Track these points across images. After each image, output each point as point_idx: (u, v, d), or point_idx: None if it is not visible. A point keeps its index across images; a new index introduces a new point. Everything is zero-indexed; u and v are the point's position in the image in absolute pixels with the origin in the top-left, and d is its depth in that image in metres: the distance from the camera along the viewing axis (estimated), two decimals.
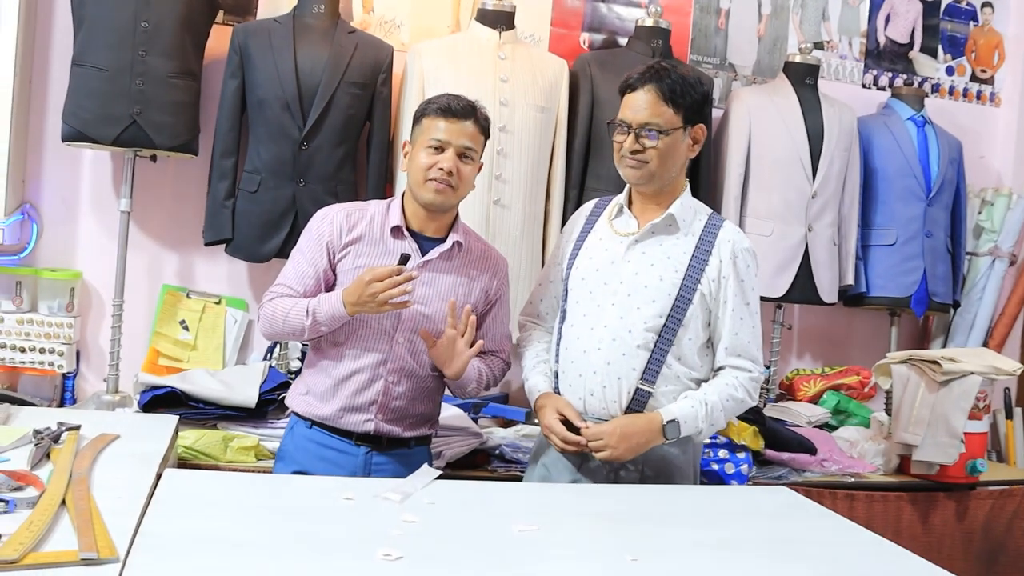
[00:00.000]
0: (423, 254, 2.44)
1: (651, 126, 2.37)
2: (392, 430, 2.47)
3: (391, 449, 2.48)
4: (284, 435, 2.59)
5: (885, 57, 4.30)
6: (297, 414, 2.52)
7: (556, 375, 2.51)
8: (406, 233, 2.45)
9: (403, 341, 2.45)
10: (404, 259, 2.33)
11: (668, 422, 2.35)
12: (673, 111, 2.38)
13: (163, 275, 3.53)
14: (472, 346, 2.40)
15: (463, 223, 2.56)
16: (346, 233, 2.44)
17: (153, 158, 3.34)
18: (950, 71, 4.41)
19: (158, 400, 3.01)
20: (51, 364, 3.29)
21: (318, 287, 2.44)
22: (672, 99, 2.38)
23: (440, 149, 2.39)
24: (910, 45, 4.34)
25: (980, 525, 3.43)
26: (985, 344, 4.14)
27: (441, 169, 2.37)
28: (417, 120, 2.47)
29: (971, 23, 4.43)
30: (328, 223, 2.46)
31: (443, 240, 2.49)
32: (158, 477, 2.01)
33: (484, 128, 2.47)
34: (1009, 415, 4.25)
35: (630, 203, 2.52)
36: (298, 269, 2.46)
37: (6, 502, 1.69)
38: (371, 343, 2.44)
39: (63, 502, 1.73)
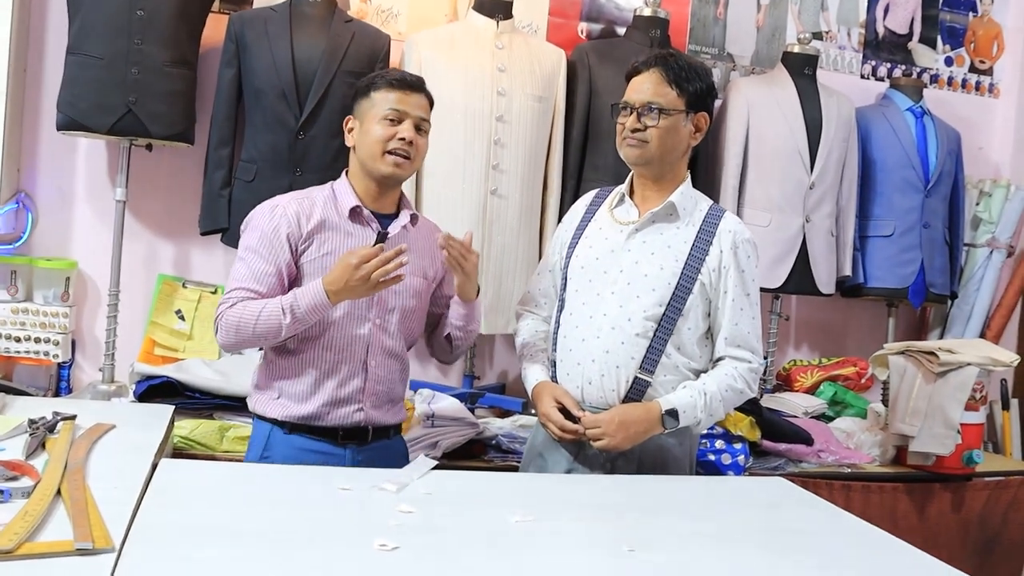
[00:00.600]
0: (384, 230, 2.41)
1: (653, 104, 2.38)
2: (378, 417, 2.44)
3: (375, 441, 2.45)
4: (252, 447, 2.47)
5: (884, 48, 4.30)
6: (273, 419, 2.41)
7: (554, 364, 2.51)
8: (366, 212, 2.41)
9: (379, 322, 2.41)
10: (382, 237, 2.31)
11: (667, 411, 2.35)
12: (677, 94, 2.40)
13: (159, 264, 3.52)
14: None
15: (406, 197, 2.54)
16: (305, 222, 2.36)
17: (149, 147, 3.33)
18: (949, 62, 4.41)
19: (154, 390, 3.01)
20: (46, 354, 3.29)
21: (281, 284, 2.35)
22: (676, 82, 2.40)
23: (397, 120, 2.36)
24: (909, 36, 4.33)
25: (976, 516, 3.44)
26: (982, 335, 4.14)
27: (402, 139, 2.35)
28: (363, 94, 2.42)
29: (970, 14, 4.43)
30: (282, 216, 2.36)
31: (394, 215, 2.46)
32: (154, 467, 2.01)
33: (432, 101, 2.46)
34: (1006, 406, 4.26)
35: (631, 193, 2.52)
36: (255, 269, 2.34)
37: (1, 492, 1.69)
38: (351, 330, 2.38)
39: (58, 492, 1.74)
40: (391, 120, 2.36)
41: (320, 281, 2.27)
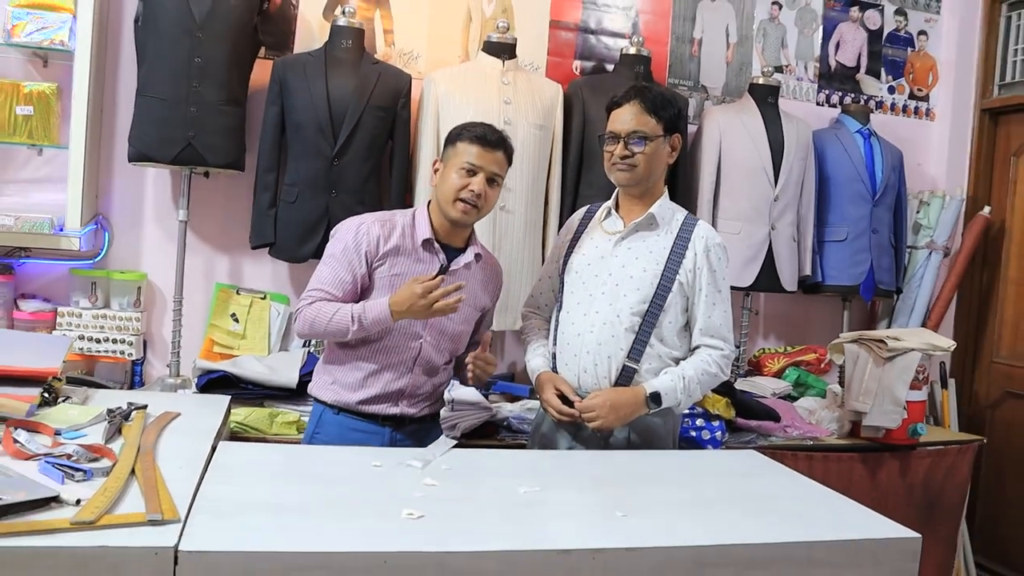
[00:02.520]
0: (449, 263, 2.41)
1: (638, 134, 2.39)
2: (413, 413, 2.45)
3: (410, 425, 2.46)
4: (310, 423, 2.51)
5: (835, 79, 4.28)
6: (325, 402, 2.45)
7: (554, 356, 2.52)
8: (437, 247, 2.41)
9: (430, 340, 2.42)
10: (442, 269, 2.32)
11: (650, 395, 2.36)
12: (655, 121, 2.41)
13: (216, 275, 3.52)
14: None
15: (476, 235, 2.54)
16: (383, 244, 2.37)
17: (206, 174, 3.33)
18: (891, 90, 4.39)
19: (213, 382, 3.02)
20: (122, 352, 3.29)
21: (355, 291, 2.37)
22: (654, 111, 2.41)
23: (472, 172, 2.34)
24: (857, 68, 4.32)
25: (920, 480, 3.42)
26: (923, 325, 4.12)
27: (472, 191, 2.33)
28: (452, 142, 2.40)
29: (909, 49, 4.41)
30: (365, 234, 2.37)
31: (462, 250, 2.45)
32: (213, 449, 2.01)
33: (510, 157, 2.43)
34: (944, 385, 4.24)
35: (617, 207, 2.53)
36: (335, 275, 2.36)
37: (84, 471, 1.69)
38: (402, 343, 2.39)
39: (132, 471, 1.73)
40: (467, 171, 2.34)
41: (387, 299, 2.28)
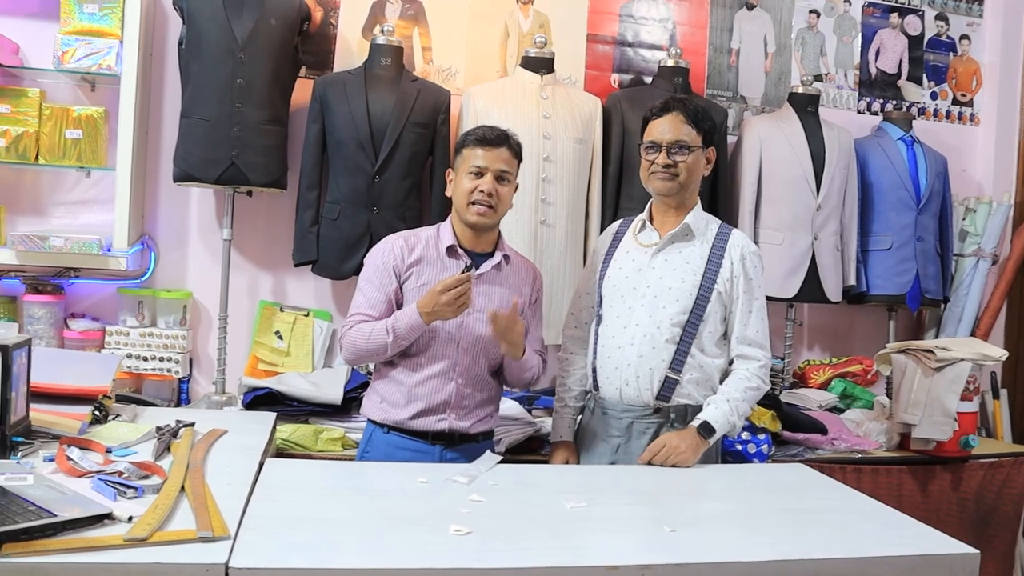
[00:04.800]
0: (476, 269, 2.41)
1: (680, 143, 2.41)
2: (463, 426, 2.42)
3: (461, 444, 2.44)
4: (362, 441, 2.52)
5: (876, 86, 4.23)
6: (375, 421, 2.46)
7: (594, 370, 2.51)
8: (460, 251, 2.42)
9: (467, 347, 2.41)
10: (467, 268, 2.32)
11: (699, 428, 2.34)
12: (695, 132, 2.44)
13: (260, 292, 3.55)
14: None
15: (504, 239, 2.53)
16: (407, 256, 2.40)
17: (249, 193, 3.37)
18: (934, 96, 4.33)
19: (258, 399, 3.03)
20: (169, 370, 3.32)
21: (391, 308, 2.39)
22: (694, 122, 2.44)
23: (480, 174, 2.36)
24: (898, 75, 4.26)
25: (973, 493, 3.34)
26: (972, 334, 4.05)
27: (482, 191, 2.35)
28: (458, 151, 2.44)
29: (951, 54, 4.35)
30: (390, 252, 2.41)
31: (491, 254, 2.46)
32: (261, 465, 2.03)
33: (517, 152, 2.44)
34: (996, 396, 4.15)
35: (651, 219, 2.53)
36: (369, 297, 2.40)
37: (135, 488, 1.71)
38: (440, 352, 2.39)
39: (182, 488, 1.75)
40: (474, 174, 2.37)
41: (415, 304, 2.30)
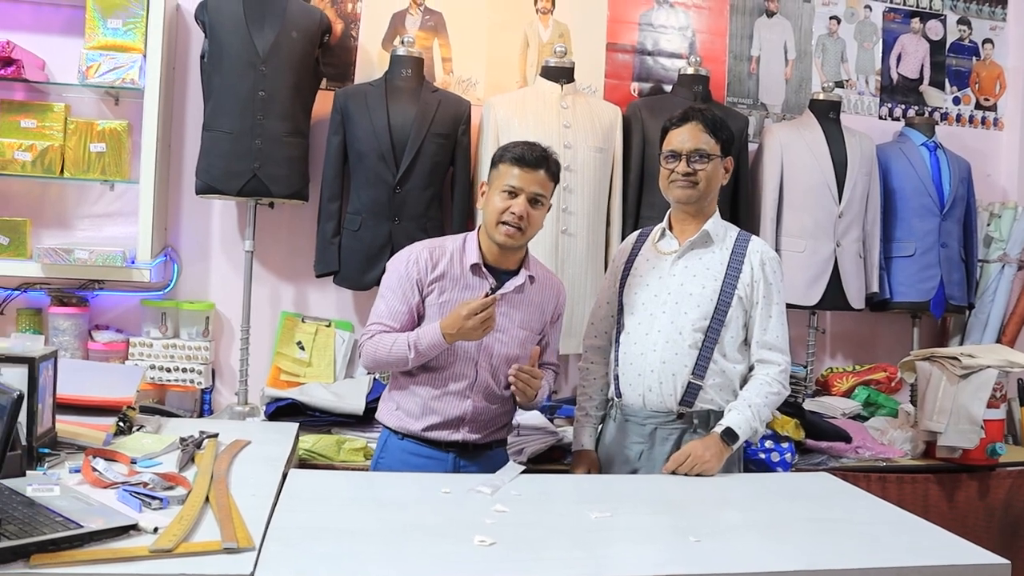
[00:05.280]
0: (500, 286, 2.39)
1: (700, 151, 2.43)
2: (476, 439, 2.42)
3: (475, 452, 2.44)
4: (377, 447, 2.51)
5: (898, 91, 4.21)
6: (390, 428, 2.46)
7: (616, 378, 2.51)
8: (484, 271, 2.39)
9: (485, 366, 2.40)
10: (491, 291, 2.31)
11: (721, 434, 2.33)
12: (714, 141, 2.45)
13: (282, 303, 3.56)
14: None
15: (531, 255, 2.51)
16: (431, 271, 2.37)
17: (271, 205, 3.39)
18: (956, 101, 4.30)
19: (281, 410, 3.05)
20: (192, 381, 3.34)
21: (412, 321, 2.38)
22: (713, 131, 2.45)
23: (513, 194, 2.32)
24: (920, 80, 4.24)
25: (1001, 502, 3.30)
26: (998, 340, 4.00)
27: (513, 214, 2.30)
28: (494, 164, 2.39)
29: (973, 58, 4.32)
30: (414, 263, 2.37)
31: (515, 272, 2.43)
32: (284, 476, 2.03)
33: (555, 174, 2.39)
34: (1023, 403, 4.10)
35: (670, 227, 2.55)
36: (391, 307, 2.38)
37: (160, 499, 1.72)
38: (459, 370, 2.38)
39: (207, 499, 1.75)
40: (508, 194, 2.32)
41: (439, 324, 2.29)
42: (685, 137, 2.44)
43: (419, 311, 2.39)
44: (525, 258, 2.47)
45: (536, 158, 2.34)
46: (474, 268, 2.39)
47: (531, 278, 2.46)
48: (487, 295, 2.27)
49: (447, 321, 2.27)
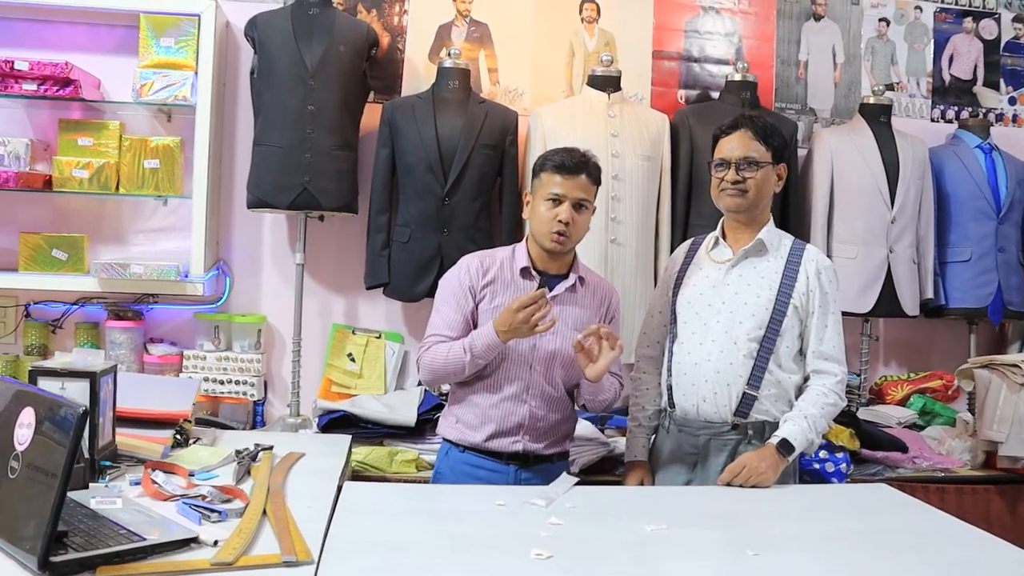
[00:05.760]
0: (550, 290, 2.40)
1: (749, 159, 2.41)
2: (537, 448, 2.42)
3: (536, 464, 2.43)
4: (438, 460, 2.53)
5: (951, 93, 4.14)
6: (451, 441, 2.47)
7: (670, 388, 2.49)
8: (534, 273, 2.42)
9: (540, 369, 2.41)
10: (541, 284, 2.31)
11: (777, 445, 2.30)
12: (765, 148, 2.43)
13: (332, 315, 3.59)
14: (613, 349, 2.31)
15: (579, 260, 2.52)
16: (482, 277, 2.40)
17: (321, 218, 3.42)
18: (1012, 101, 4.21)
19: (333, 422, 3.07)
20: (244, 393, 3.38)
21: (467, 329, 2.39)
22: (764, 138, 2.43)
23: (558, 202, 2.34)
24: (973, 80, 4.16)
25: None
26: None
27: (560, 222, 2.33)
28: (536, 173, 2.42)
29: None
30: (466, 273, 2.42)
31: (565, 276, 2.45)
32: (339, 489, 2.04)
33: (596, 177, 2.41)
34: None
35: (724, 236, 2.53)
36: (446, 318, 2.40)
37: (219, 512, 1.74)
38: (514, 374, 2.39)
39: (264, 512, 1.77)
40: (552, 202, 2.35)
41: (491, 323, 2.30)
42: (734, 145, 2.43)
43: (473, 318, 2.41)
44: (574, 262, 2.49)
45: (576, 163, 2.36)
46: (523, 272, 2.42)
47: (581, 279, 2.47)
48: (538, 288, 2.28)
49: (500, 318, 2.28)
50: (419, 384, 3.41)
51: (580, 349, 2.30)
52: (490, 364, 2.37)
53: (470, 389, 2.42)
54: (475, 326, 2.40)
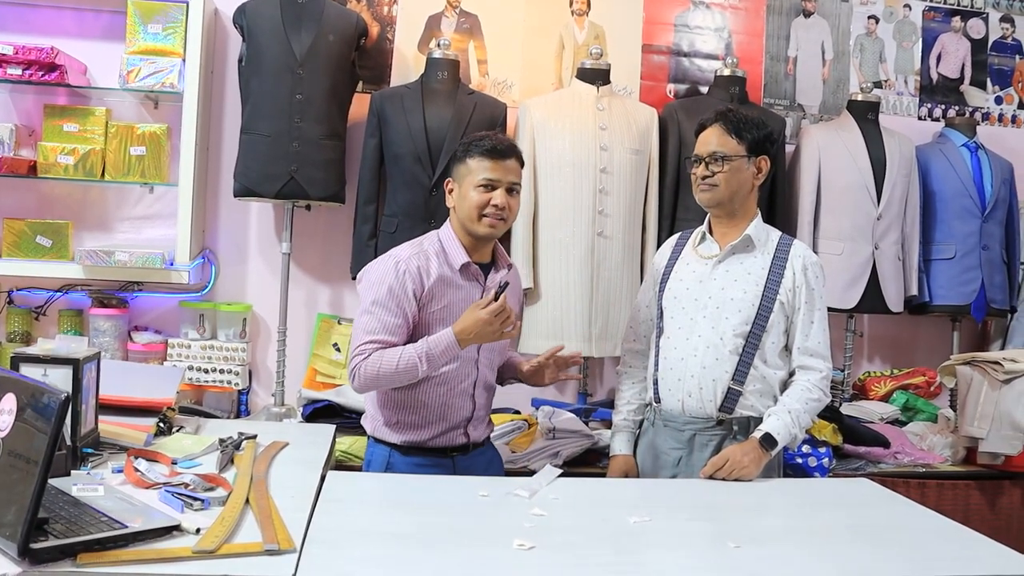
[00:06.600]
0: (488, 279, 2.38)
1: (717, 154, 2.41)
2: (476, 437, 2.43)
3: (474, 451, 2.44)
4: (374, 466, 2.40)
5: (938, 91, 4.15)
6: (392, 444, 2.37)
7: (655, 382, 2.50)
8: (473, 268, 2.35)
9: (484, 360, 2.40)
10: (502, 288, 2.25)
11: (760, 439, 2.31)
12: (736, 142, 2.42)
13: (318, 305, 3.59)
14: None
15: (499, 245, 2.49)
16: (427, 279, 2.29)
17: (308, 207, 3.41)
18: (999, 100, 4.23)
19: (318, 412, 3.07)
20: (229, 382, 3.37)
21: (408, 333, 2.28)
22: (736, 132, 2.42)
23: (491, 187, 2.29)
24: (960, 79, 4.18)
25: None
26: None
27: (495, 206, 2.28)
28: (460, 159, 2.34)
29: (1017, 56, 4.25)
30: (406, 272, 2.27)
31: (489, 263, 2.42)
32: (322, 478, 2.04)
33: (523, 161, 2.38)
34: None
35: (710, 231, 2.53)
36: (385, 322, 2.25)
37: (202, 500, 1.74)
38: (462, 371, 2.36)
39: (247, 500, 1.77)
40: (485, 187, 2.29)
41: (450, 330, 2.24)
42: (707, 140, 2.44)
43: (415, 322, 2.31)
44: (496, 248, 2.46)
45: (506, 148, 2.33)
46: (463, 268, 2.34)
47: (509, 266, 2.46)
48: (496, 295, 2.23)
49: (462, 326, 2.23)
50: (362, 392, 3.33)
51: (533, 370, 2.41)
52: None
53: (415, 391, 2.33)
54: (413, 329, 2.31)
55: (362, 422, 2.49)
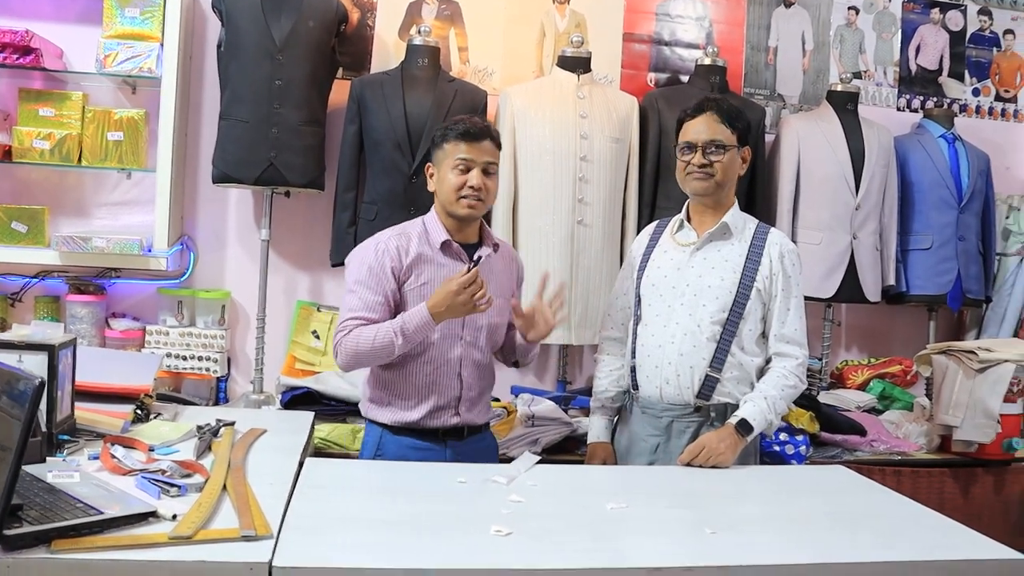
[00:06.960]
0: (475, 259, 2.38)
1: (715, 142, 2.42)
2: (472, 419, 2.42)
3: (470, 438, 2.43)
4: (367, 447, 2.44)
5: (917, 83, 4.18)
6: (384, 425, 2.40)
7: (632, 370, 2.51)
8: (455, 246, 2.38)
9: (469, 338, 2.40)
10: (476, 262, 2.28)
11: (736, 425, 2.33)
12: (730, 131, 2.44)
13: (297, 292, 3.57)
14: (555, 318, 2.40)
15: (486, 227, 2.50)
16: (405, 257, 2.34)
17: (287, 194, 3.40)
18: (976, 92, 4.26)
19: (296, 399, 3.06)
20: (207, 369, 3.36)
21: (389, 311, 2.33)
22: (729, 121, 2.44)
23: (466, 169, 2.33)
24: (939, 71, 4.20)
25: (1017, 497, 3.29)
26: (1015, 335, 3.98)
27: (471, 187, 2.31)
28: (438, 144, 2.38)
29: (994, 49, 4.28)
30: (385, 251, 2.33)
31: (476, 244, 2.44)
32: (300, 465, 2.04)
33: (499, 142, 2.41)
34: None
35: (688, 218, 2.54)
36: (366, 300, 2.31)
37: (179, 487, 1.73)
38: (446, 348, 2.36)
39: (224, 487, 1.76)
40: (461, 169, 2.33)
41: (424, 305, 2.26)
42: (701, 128, 2.43)
43: (395, 300, 2.35)
44: (482, 228, 2.48)
45: (480, 130, 2.36)
46: (444, 246, 2.38)
47: (495, 246, 2.47)
48: (468, 269, 2.25)
49: (434, 300, 2.25)
50: (346, 371, 3.36)
51: (520, 315, 2.36)
52: (424, 340, 2.34)
53: (402, 369, 2.36)
54: (395, 306, 2.35)
55: (360, 405, 2.53)
